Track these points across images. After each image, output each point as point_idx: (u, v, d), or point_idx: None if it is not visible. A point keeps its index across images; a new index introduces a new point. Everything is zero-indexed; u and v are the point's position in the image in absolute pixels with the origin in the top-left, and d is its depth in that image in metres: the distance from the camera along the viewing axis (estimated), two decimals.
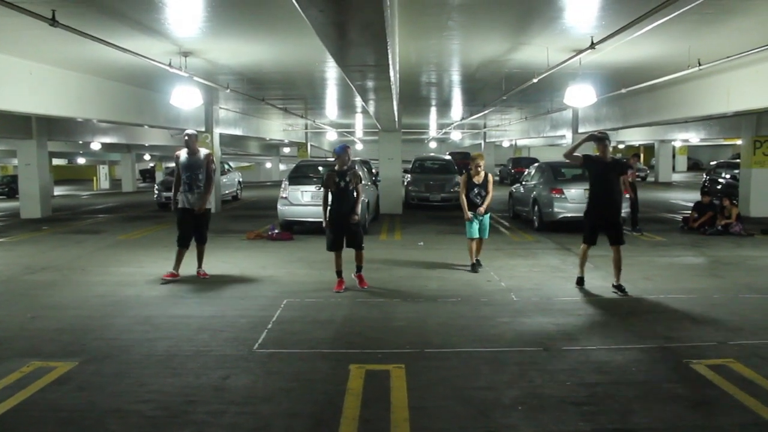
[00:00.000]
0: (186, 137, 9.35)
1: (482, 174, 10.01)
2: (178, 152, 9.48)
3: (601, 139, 8.47)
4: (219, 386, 5.14)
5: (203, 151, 9.44)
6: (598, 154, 8.63)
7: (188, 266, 9.78)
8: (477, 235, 10.03)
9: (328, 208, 8.59)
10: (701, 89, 13.97)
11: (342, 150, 8.69)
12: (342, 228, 8.55)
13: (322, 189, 8.79)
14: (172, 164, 37.05)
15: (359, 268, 8.79)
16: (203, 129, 20.20)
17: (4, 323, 7.10)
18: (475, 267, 9.98)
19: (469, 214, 9.90)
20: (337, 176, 8.52)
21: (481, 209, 9.95)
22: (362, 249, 8.76)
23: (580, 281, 8.74)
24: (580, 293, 8.41)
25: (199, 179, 9.24)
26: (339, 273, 8.64)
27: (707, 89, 13.75)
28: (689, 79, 13.16)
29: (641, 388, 5.08)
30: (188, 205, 9.26)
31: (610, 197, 8.35)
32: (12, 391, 4.99)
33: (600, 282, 8.90)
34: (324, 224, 8.69)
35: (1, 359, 5.78)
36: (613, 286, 8.44)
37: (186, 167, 9.26)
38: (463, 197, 10.02)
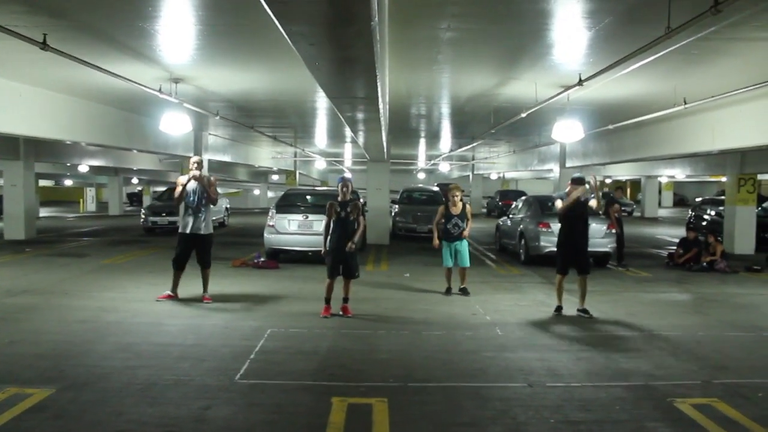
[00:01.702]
0: (196, 164, 9.52)
1: (460, 205, 10.45)
2: (181, 177, 9.67)
3: (580, 181, 9.16)
4: (199, 417, 5.07)
5: (207, 176, 9.59)
6: (568, 192, 9.17)
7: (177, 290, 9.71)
8: (451, 264, 10.51)
9: (329, 236, 8.86)
10: (687, 127, 14.14)
11: (340, 181, 9.02)
12: (339, 256, 8.74)
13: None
14: (161, 189, 37.02)
15: (345, 300, 8.85)
16: (192, 154, 20.18)
17: None
18: (449, 291, 10.52)
19: (437, 241, 10.58)
20: (339, 206, 8.82)
21: (465, 233, 10.50)
22: (354, 278, 8.96)
23: (559, 309, 9.15)
24: (565, 328, 8.40)
25: (203, 204, 9.37)
26: (327, 300, 8.75)
27: (693, 127, 13.92)
28: (675, 117, 13.32)
29: (625, 427, 5.06)
30: (190, 230, 9.34)
31: (580, 230, 9.11)
32: None
33: (584, 318, 8.89)
34: (322, 253, 8.94)
35: None
36: (578, 310, 9.02)
37: (191, 192, 9.41)
38: (436, 225, 10.70)
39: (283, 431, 4.88)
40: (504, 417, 5.18)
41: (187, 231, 9.42)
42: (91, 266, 13.52)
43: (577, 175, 9.38)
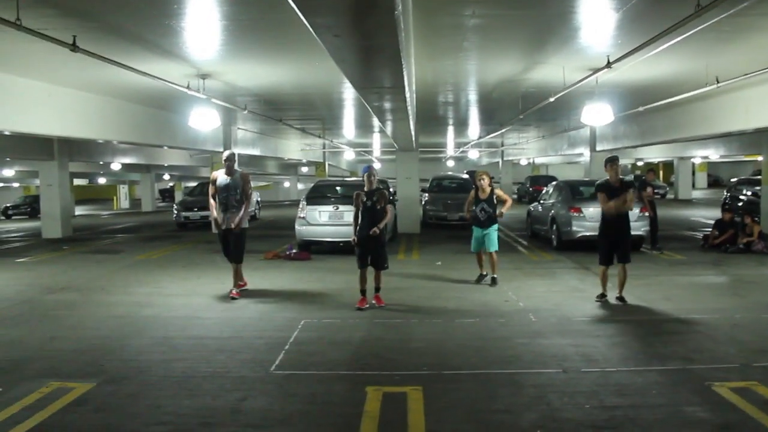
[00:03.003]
0: (227, 160, 9.48)
1: (488, 190, 10.35)
2: (215, 173, 9.68)
3: (612, 160, 8.89)
4: (236, 408, 5.14)
5: (239, 172, 9.57)
6: (608, 177, 8.81)
7: (206, 286, 9.84)
8: (478, 249, 10.49)
9: (358, 226, 8.91)
10: (720, 106, 13.88)
11: (365, 171, 9.13)
12: (367, 245, 8.78)
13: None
14: (192, 184, 37.41)
15: (377, 289, 8.88)
16: (221, 149, 20.38)
17: (25, 343, 7.16)
18: (480, 278, 10.49)
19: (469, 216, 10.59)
20: (365, 196, 8.88)
21: (505, 209, 10.53)
22: (383, 269, 8.95)
23: (602, 296, 8.96)
24: (599, 311, 8.35)
25: (236, 200, 9.40)
26: (362, 291, 8.76)
27: (726, 106, 13.66)
28: (707, 96, 13.08)
29: (662, 411, 5.00)
30: (224, 225, 9.41)
31: (620, 218, 8.73)
32: (31, 411, 5.02)
33: (619, 302, 8.81)
34: (353, 242, 8.98)
35: (21, 379, 5.83)
36: (616, 297, 8.83)
37: (223, 188, 9.40)
38: (468, 210, 10.66)
39: (319, 421, 4.93)
40: (539, 403, 5.18)
41: (222, 227, 9.48)
42: (126, 262, 13.75)
43: (612, 155, 9.30)
